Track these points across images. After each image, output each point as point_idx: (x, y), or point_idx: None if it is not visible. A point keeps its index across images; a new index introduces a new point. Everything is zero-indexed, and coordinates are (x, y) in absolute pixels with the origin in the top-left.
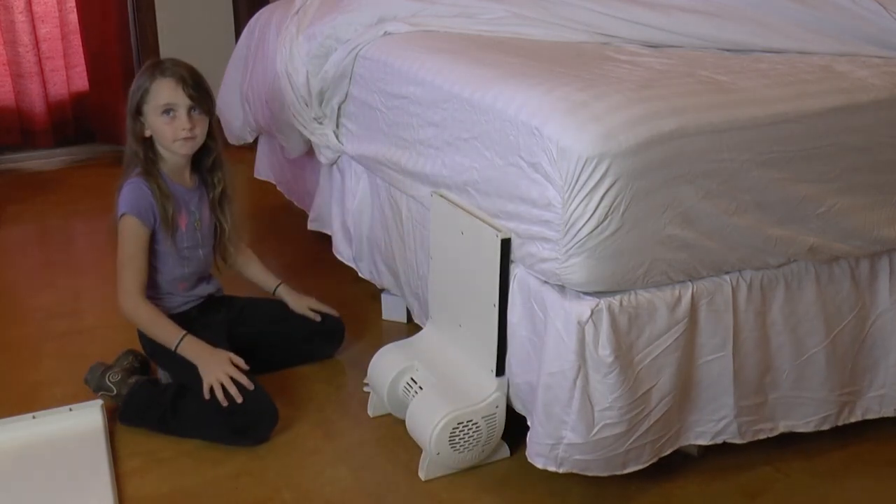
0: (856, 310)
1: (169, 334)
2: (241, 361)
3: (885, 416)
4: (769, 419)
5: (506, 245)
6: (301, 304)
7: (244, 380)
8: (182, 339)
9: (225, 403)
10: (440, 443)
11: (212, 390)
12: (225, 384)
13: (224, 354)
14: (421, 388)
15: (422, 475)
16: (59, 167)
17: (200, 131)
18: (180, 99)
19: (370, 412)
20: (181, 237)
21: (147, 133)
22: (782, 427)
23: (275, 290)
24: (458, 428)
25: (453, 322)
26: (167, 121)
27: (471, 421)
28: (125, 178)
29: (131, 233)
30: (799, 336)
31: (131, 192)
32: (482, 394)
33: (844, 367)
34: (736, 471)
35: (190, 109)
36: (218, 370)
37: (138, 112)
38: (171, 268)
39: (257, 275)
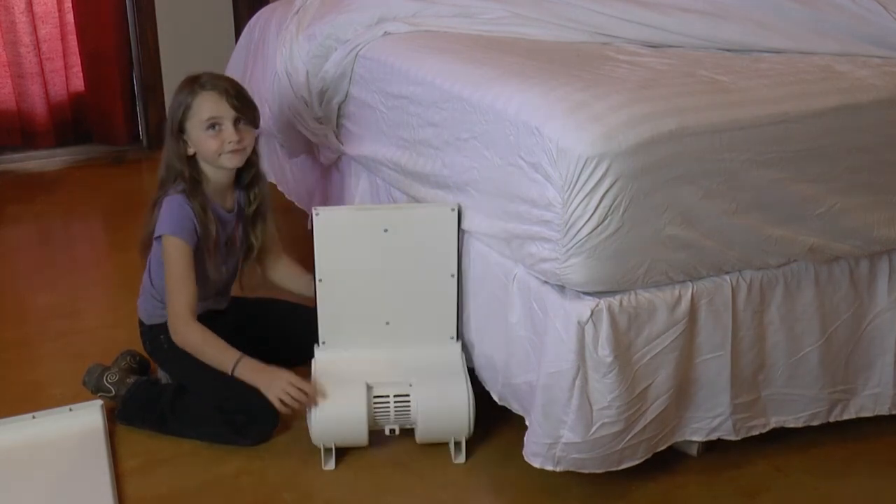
0: (852, 309)
1: (224, 358)
2: (296, 378)
3: (879, 414)
4: (761, 415)
5: (459, 216)
6: None
7: (307, 386)
8: (238, 363)
9: (304, 410)
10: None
11: (211, 392)
12: (291, 393)
13: (282, 372)
14: (405, 395)
15: (462, 459)
16: (59, 167)
17: (249, 143)
18: (225, 111)
19: None
20: (211, 255)
21: (190, 151)
22: (773, 423)
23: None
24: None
25: (374, 325)
26: (212, 134)
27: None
28: (163, 194)
29: (178, 254)
30: (795, 335)
31: (172, 210)
32: (455, 360)
33: (838, 365)
34: (736, 470)
35: (236, 121)
36: (279, 385)
37: (180, 129)
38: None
39: (292, 282)
